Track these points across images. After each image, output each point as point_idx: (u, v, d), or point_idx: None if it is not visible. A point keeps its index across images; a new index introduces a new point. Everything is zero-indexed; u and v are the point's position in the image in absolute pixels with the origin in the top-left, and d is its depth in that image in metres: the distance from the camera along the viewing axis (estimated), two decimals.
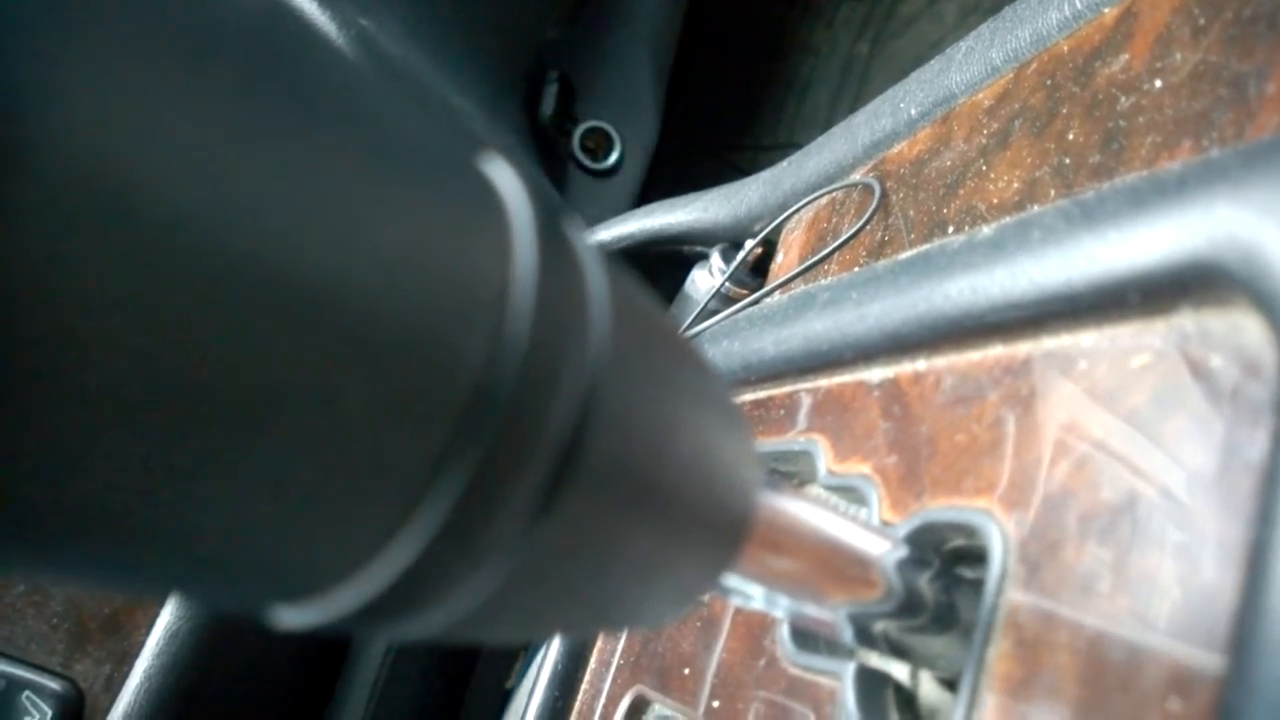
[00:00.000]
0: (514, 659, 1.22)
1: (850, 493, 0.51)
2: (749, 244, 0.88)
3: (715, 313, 0.81)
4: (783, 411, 0.61)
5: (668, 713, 0.60)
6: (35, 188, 0.15)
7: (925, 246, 0.56)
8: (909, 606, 0.38)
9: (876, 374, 0.53)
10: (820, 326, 0.57)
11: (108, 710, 0.99)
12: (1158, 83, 0.44)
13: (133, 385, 0.17)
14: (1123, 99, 0.47)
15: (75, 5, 0.16)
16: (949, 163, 0.61)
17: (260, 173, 0.18)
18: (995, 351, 0.45)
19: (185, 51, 0.17)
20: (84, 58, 0.15)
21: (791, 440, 0.58)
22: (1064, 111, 0.51)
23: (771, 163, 0.91)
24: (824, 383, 0.58)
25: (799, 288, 0.72)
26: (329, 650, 1.21)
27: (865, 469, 0.51)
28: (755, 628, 0.54)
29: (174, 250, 0.17)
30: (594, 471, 0.24)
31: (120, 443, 0.17)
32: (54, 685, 1.00)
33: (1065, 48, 0.54)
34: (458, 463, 0.22)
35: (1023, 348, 0.43)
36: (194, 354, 0.17)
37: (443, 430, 0.21)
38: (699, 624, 0.60)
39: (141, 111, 0.16)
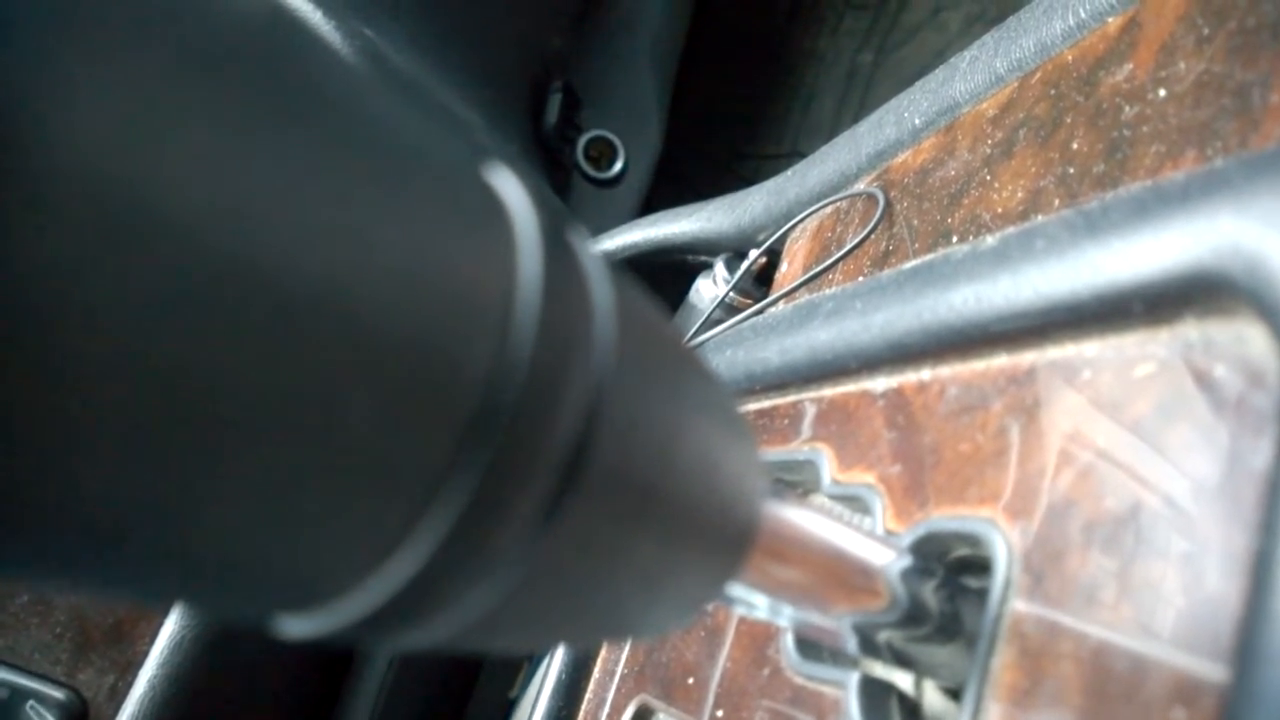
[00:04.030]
0: (518, 669, 1.22)
1: (854, 502, 0.51)
2: (753, 253, 0.88)
3: (719, 322, 0.81)
4: (787, 421, 0.61)
5: None
6: (39, 192, 0.15)
7: (929, 256, 0.56)
8: (913, 616, 0.38)
9: (881, 383, 0.53)
10: (824, 336, 0.57)
11: (112, 719, 1.00)
12: (1162, 92, 0.44)
13: (137, 394, 0.17)
14: (1127, 108, 0.47)
15: (81, 11, 0.16)
16: (953, 172, 0.61)
17: (264, 181, 0.18)
18: (999, 361, 0.45)
19: (190, 59, 0.17)
20: (89, 63, 0.15)
21: (796, 449, 0.58)
22: (1068, 121, 0.51)
23: (775, 172, 0.91)
24: (828, 392, 0.58)
25: (803, 297, 0.72)
26: (333, 660, 1.21)
27: (869, 478, 0.51)
28: (759, 637, 0.54)
29: (178, 258, 0.17)
30: (599, 481, 0.24)
31: (125, 452, 0.17)
32: (58, 694, 1.00)
33: (1069, 57, 0.54)
34: (462, 473, 0.22)
35: (1027, 357, 0.43)
36: (198, 363, 0.17)
37: (447, 441, 0.21)
38: (703, 633, 0.60)
39: (146, 118, 0.16)
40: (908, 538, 0.44)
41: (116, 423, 0.17)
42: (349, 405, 0.20)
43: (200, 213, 0.17)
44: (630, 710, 0.64)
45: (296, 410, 0.19)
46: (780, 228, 0.85)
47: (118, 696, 1.00)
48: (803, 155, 0.88)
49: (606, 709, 0.68)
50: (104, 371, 0.16)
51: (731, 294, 0.89)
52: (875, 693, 0.44)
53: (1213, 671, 0.31)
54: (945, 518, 0.44)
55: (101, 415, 0.17)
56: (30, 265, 0.15)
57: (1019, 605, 0.38)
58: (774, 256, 0.88)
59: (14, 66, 0.15)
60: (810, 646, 0.49)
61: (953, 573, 0.41)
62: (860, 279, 0.66)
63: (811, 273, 0.72)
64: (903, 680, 0.45)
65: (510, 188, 0.25)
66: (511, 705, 1.19)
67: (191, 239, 0.17)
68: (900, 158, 0.70)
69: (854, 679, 0.44)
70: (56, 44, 0.15)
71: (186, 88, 0.17)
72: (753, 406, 0.66)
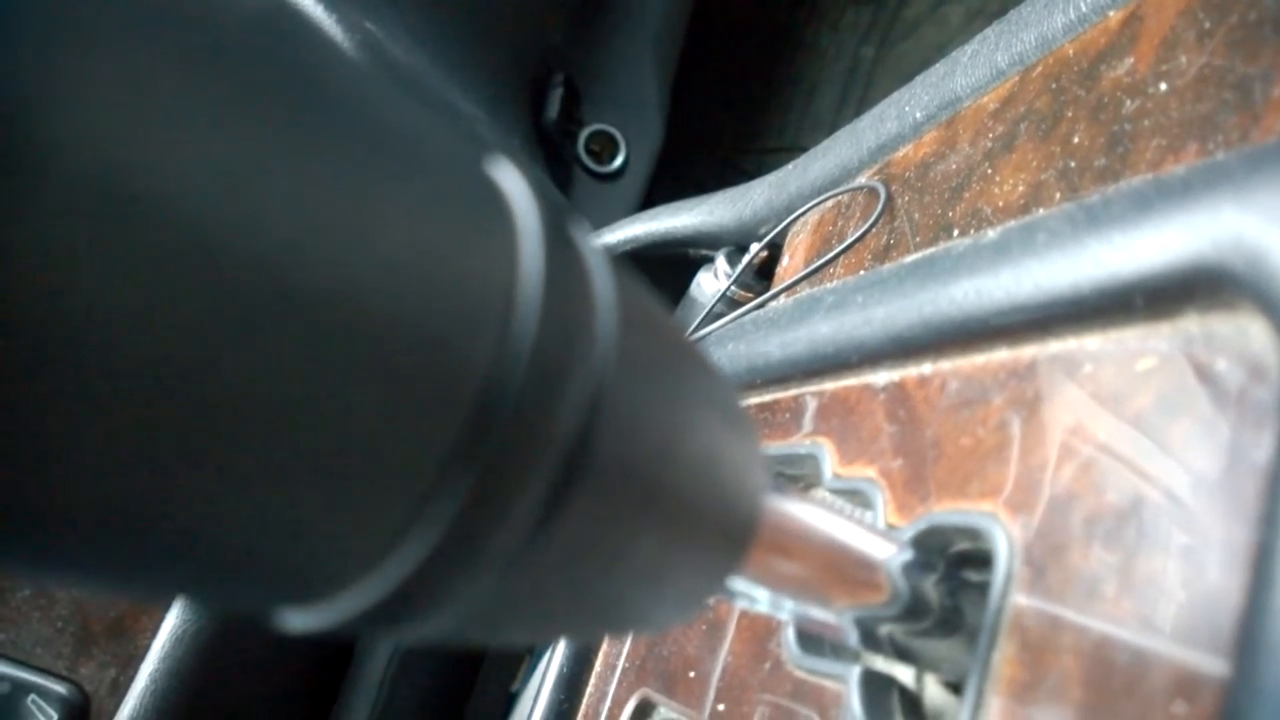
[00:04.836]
0: (519, 662, 1.22)
1: (856, 496, 0.51)
2: (754, 247, 0.88)
3: (720, 316, 0.81)
4: (788, 415, 0.61)
5: (673, 716, 0.60)
6: (46, 189, 0.15)
7: (930, 250, 0.56)
8: (914, 610, 0.38)
9: (882, 377, 0.53)
10: (825, 330, 0.57)
11: (113, 714, 1.00)
12: (1163, 86, 0.44)
13: (141, 389, 0.17)
14: (1128, 102, 0.47)
15: (84, 7, 0.16)
16: (954, 166, 0.61)
17: (268, 175, 0.18)
18: (1000, 355, 0.45)
19: (193, 54, 0.17)
20: (93, 58, 0.16)
21: (797, 443, 0.58)
22: (1069, 115, 0.51)
23: (776, 166, 0.91)
24: (829, 386, 0.58)
25: (804, 291, 0.72)
26: (334, 653, 1.21)
27: (871, 472, 0.51)
28: (760, 631, 0.54)
29: (183, 252, 0.17)
30: (600, 475, 0.24)
31: (128, 446, 0.17)
32: (59, 689, 1.00)
33: (1070, 51, 0.54)
34: (464, 466, 0.22)
35: (1028, 351, 0.43)
36: (201, 357, 0.17)
37: (449, 434, 0.21)
38: (704, 627, 0.60)
39: (151, 114, 0.16)
40: (909, 532, 0.44)
41: (120, 416, 0.17)
42: (351, 397, 0.20)
43: (204, 206, 0.17)
44: (631, 704, 0.64)
45: (300, 402, 0.19)
46: (781, 221, 0.85)
47: (119, 690, 1.01)
48: (804, 149, 0.88)
49: (608, 703, 0.68)
50: (107, 365, 0.16)
51: (733, 288, 0.89)
52: (876, 686, 0.44)
53: (1214, 665, 0.31)
54: (946, 512, 0.44)
55: (105, 408, 0.17)
56: (35, 259, 0.15)
57: (1020, 599, 0.38)
58: (775, 250, 0.88)
59: (18, 62, 0.15)
60: (811, 640, 0.49)
61: (954, 566, 0.41)
62: (861, 273, 0.66)
63: (813, 266, 0.72)
64: (904, 674, 0.45)
65: (512, 181, 0.25)
66: (513, 699, 1.19)
67: (195, 231, 0.17)
68: (901, 151, 0.70)
69: (855, 673, 0.44)
70: (61, 39, 0.15)
71: (189, 82, 0.17)
72: (754, 400, 0.66)
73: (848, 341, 0.55)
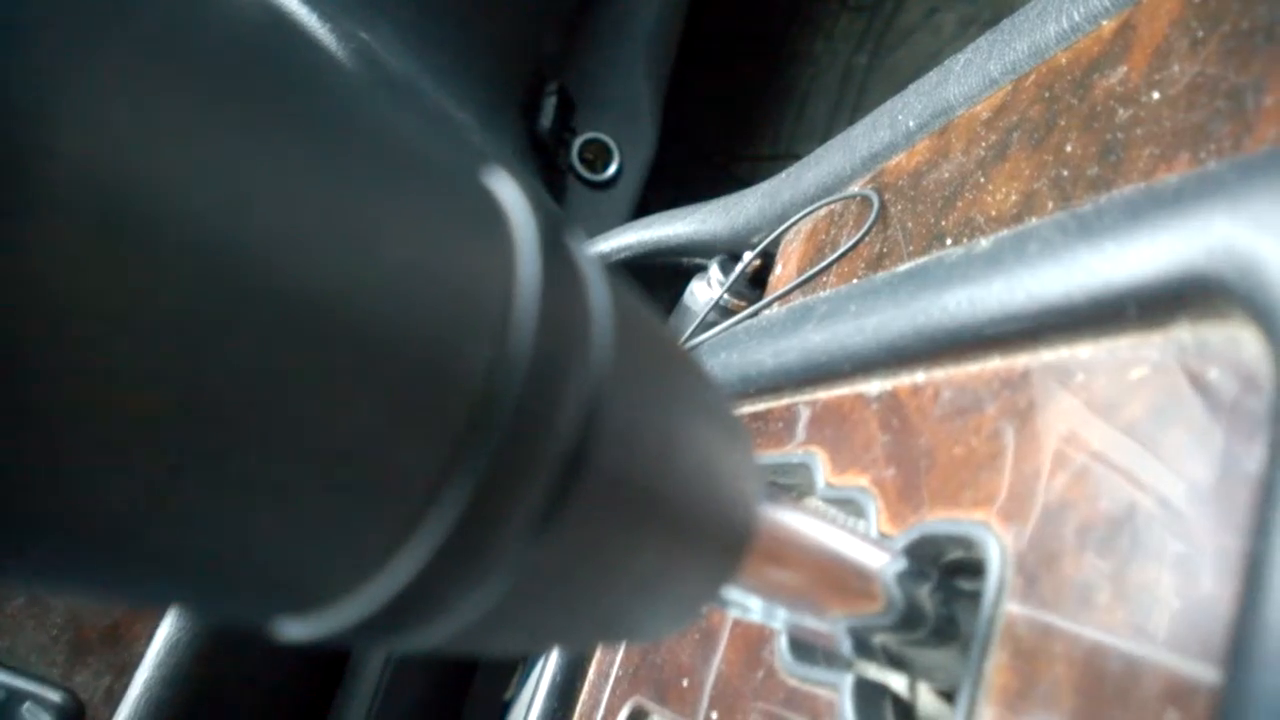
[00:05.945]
0: (513, 670, 1.22)
1: (849, 505, 0.51)
2: (747, 256, 0.88)
3: (714, 324, 0.81)
4: (781, 424, 0.61)
5: None
6: (44, 196, 0.15)
7: (923, 259, 0.56)
8: (909, 619, 0.38)
9: (875, 386, 0.53)
10: (818, 339, 0.57)
11: None
12: (1155, 95, 0.45)
13: (138, 396, 0.17)
14: (1120, 111, 0.47)
15: (87, 21, 0.16)
16: (947, 175, 0.61)
17: (266, 185, 0.18)
18: (993, 364, 0.45)
19: (192, 64, 0.17)
20: (96, 71, 0.16)
21: (790, 452, 0.58)
22: (1062, 124, 0.51)
23: (770, 174, 0.91)
24: (822, 395, 0.58)
25: (797, 300, 0.72)
26: (329, 661, 1.21)
27: (864, 481, 0.51)
28: (753, 639, 0.55)
29: (180, 260, 0.17)
30: (596, 486, 0.24)
31: (125, 454, 0.17)
32: (54, 696, 1.00)
33: (1063, 60, 0.54)
34: (461, 478, 0.22)
35: (1021, 360, 0.43)
36: (198, 365, 0.17)
37: (446, 445, 0.21)
38: (697, 635, 0.60)
39: (150, 123, 0.16)
40: (902, 541, 0.44)
41: (119, 426, 0.17)
42: (348, 408, 0.20)
43: (205, 216, 0.17)
44: (625, 712, 0.64)
45: (296, 413, 0.19)
46: (774, 230, 0.85)
47: (114, 698, 1.00)
48: (797, 157, 0.88)
49: (601, 711, 0.68)
50: (107, 374, 0.16)
51: (726, 296, 0.89)
52: (869, 695, 0.44)
53: (1206, 673, 0.31)
54: (939, 521, 0.44)
55: (104, 419, 0.17)
56: (37, 270, 0.15)
57: (1013, 607, 0.38)
58: (768, 259, 0.88)
59: (18, 73, 0.15)
60: (804, 648, 0.50)
61: (947, 576, 0.41)
62: (854, 281, 0.66)
63: (806, 275, 0.72)
64: (897, 682, 0.45)
65: (508, 191, 0.25)
66: (507, 707, 1.18)
67: (197, 241, 0.17)
68: (894, 160, 0.70)
69: (848, 681, 0.45)
70: (64, 52, 0.15)
71: (189, 93, 0.17)
72: (747, 409, 0.66)
73: (841, 350, 0.55)
